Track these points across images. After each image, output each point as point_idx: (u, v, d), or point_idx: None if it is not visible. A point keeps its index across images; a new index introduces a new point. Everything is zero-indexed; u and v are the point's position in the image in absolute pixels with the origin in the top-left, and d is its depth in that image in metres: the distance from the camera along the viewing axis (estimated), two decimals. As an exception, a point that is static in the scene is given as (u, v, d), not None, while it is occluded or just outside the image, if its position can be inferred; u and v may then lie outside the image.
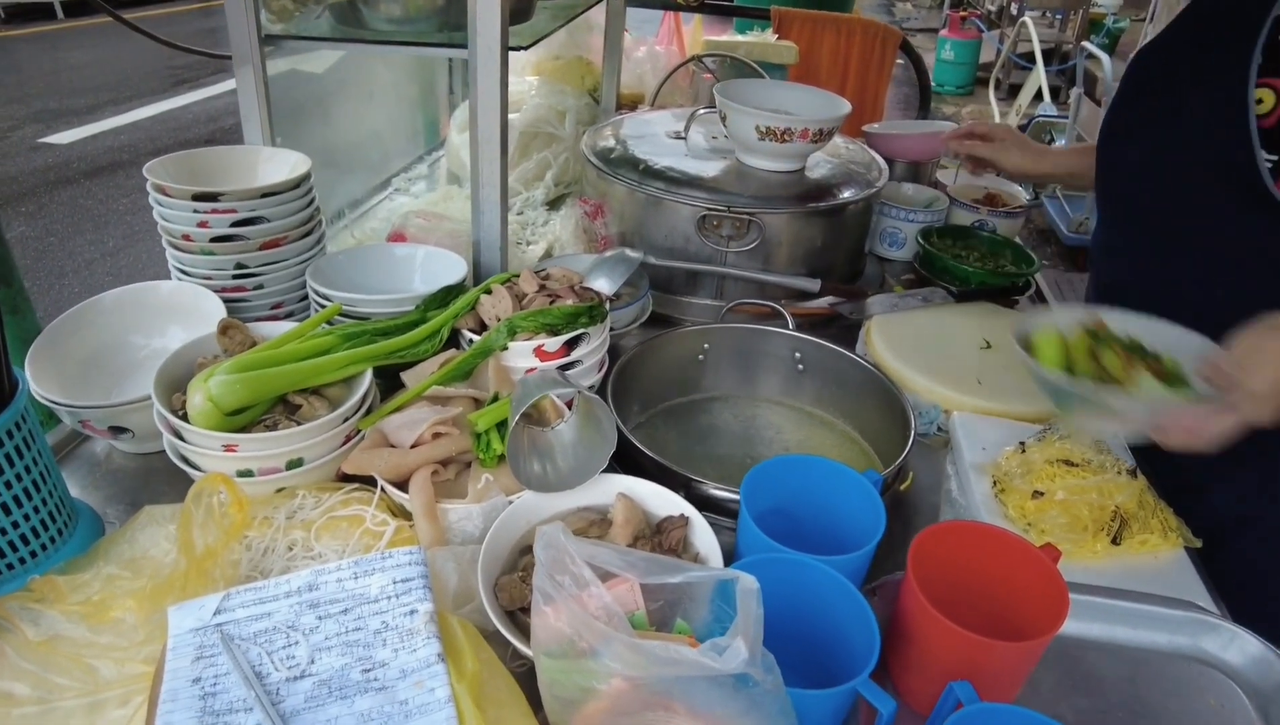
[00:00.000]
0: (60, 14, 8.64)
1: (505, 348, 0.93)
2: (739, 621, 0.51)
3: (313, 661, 0.62)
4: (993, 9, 9.00)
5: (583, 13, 1.45)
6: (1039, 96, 5.64)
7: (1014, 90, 6.75)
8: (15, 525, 0.75)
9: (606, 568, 0.57)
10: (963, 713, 0.59)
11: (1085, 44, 4.16)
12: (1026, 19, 6.20)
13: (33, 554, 0.78)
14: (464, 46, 1.01)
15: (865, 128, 1.71)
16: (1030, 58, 6.05)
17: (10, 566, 0.77)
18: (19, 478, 0.74)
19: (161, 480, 0.95)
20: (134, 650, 0.67)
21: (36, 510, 0.77)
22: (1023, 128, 3.88)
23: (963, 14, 7.67)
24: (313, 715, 0.59)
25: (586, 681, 0.56)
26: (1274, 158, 0.81)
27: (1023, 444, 1.00)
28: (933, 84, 7.69)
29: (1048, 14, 8.03)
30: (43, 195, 4.44)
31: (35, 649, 0.65)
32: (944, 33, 7.61)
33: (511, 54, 1.06)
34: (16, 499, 0.75)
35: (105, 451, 1.01)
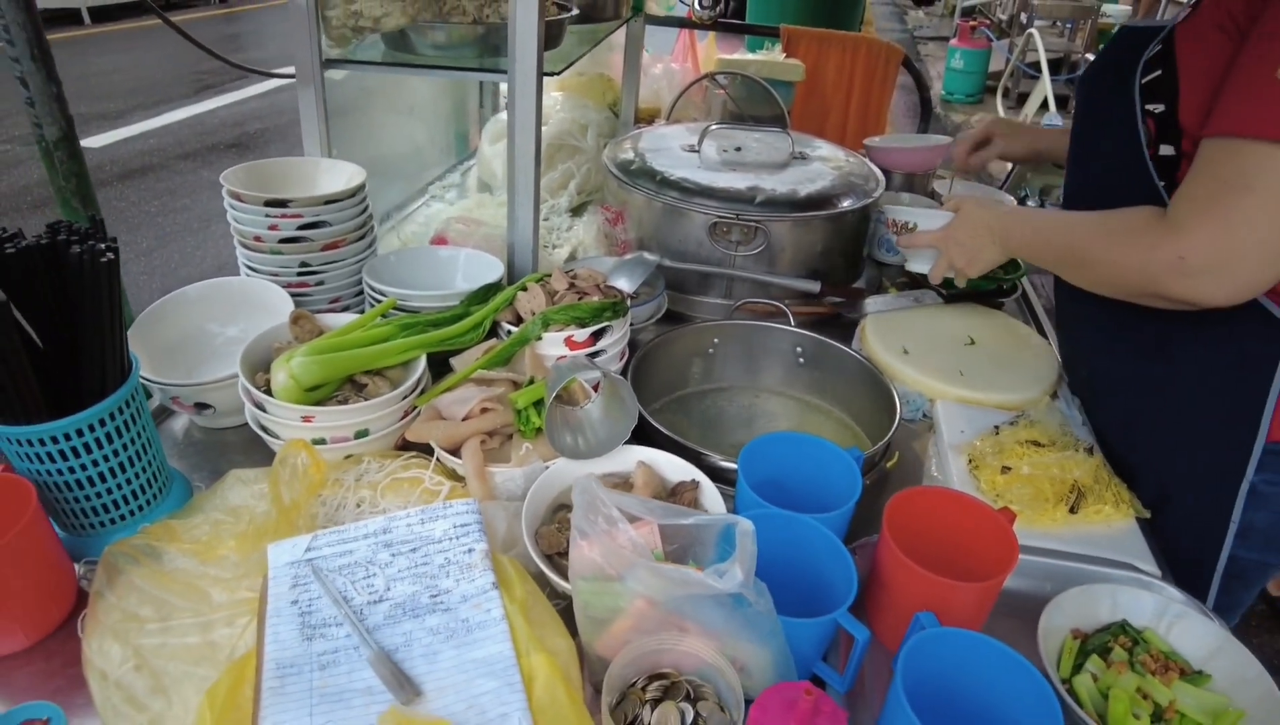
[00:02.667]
0: (87, 19, 8.87)
1: (540, 338, 1.06)
2: (736, 554, 0.64)
3: (389, 589, 0.75)
4: (1003, 18, 9.10)
5: (606, 36, 1.59)
6: (1045, 105, 5.74)
7: (1023, 99, 6.85)
8: (128, 482, 0.89)
9: (630, 511, 0.71)
10: (925, 633, 0.71)
11: (1089, 55, 4.27)
12: (1033, 30, 6.30)
13: (140, 508, 0.92)
14: (502, 72, 1.15)
15: (866, 141, 1.84)
16: (1039, 67, 6.16)
17: (123, 517, 0.91)
18: (132, 441, 0.88)
19: (236, 451, 1.09)
20: (237, 582, 0.80)
21: (144, 470, 0.91)
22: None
23: (973, 23, 7.76)
24: (391, 629, 0.72)
25: (614, 602, 0.70)
26: (1161, 184, 0.95)
27: (997, 428, 1.12)
28: (943, 92, 7.83)
29: (1058, 23, 8.13)
30: (78, 197, 4.61)
31: (159, 579, 0.79)
32: (954, 42, 7.71)
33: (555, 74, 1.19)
34: (130, 459, 0.88)
35: (184, 428, 1.15)
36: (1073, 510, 0.99)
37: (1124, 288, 0.94)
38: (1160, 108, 0.93)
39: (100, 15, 8.93)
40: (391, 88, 1.69)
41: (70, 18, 8.82)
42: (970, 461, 1.07)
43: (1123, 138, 0.97)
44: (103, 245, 0.81)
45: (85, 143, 5.29)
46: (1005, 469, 1.03)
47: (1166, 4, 6.83)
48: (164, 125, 5.86)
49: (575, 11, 1.40)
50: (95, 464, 0.85)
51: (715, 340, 1.33)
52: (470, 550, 0.77)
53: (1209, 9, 0.89)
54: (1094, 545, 0.97)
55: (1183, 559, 0.99)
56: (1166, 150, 0.93)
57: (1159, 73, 0.93)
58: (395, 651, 0.70)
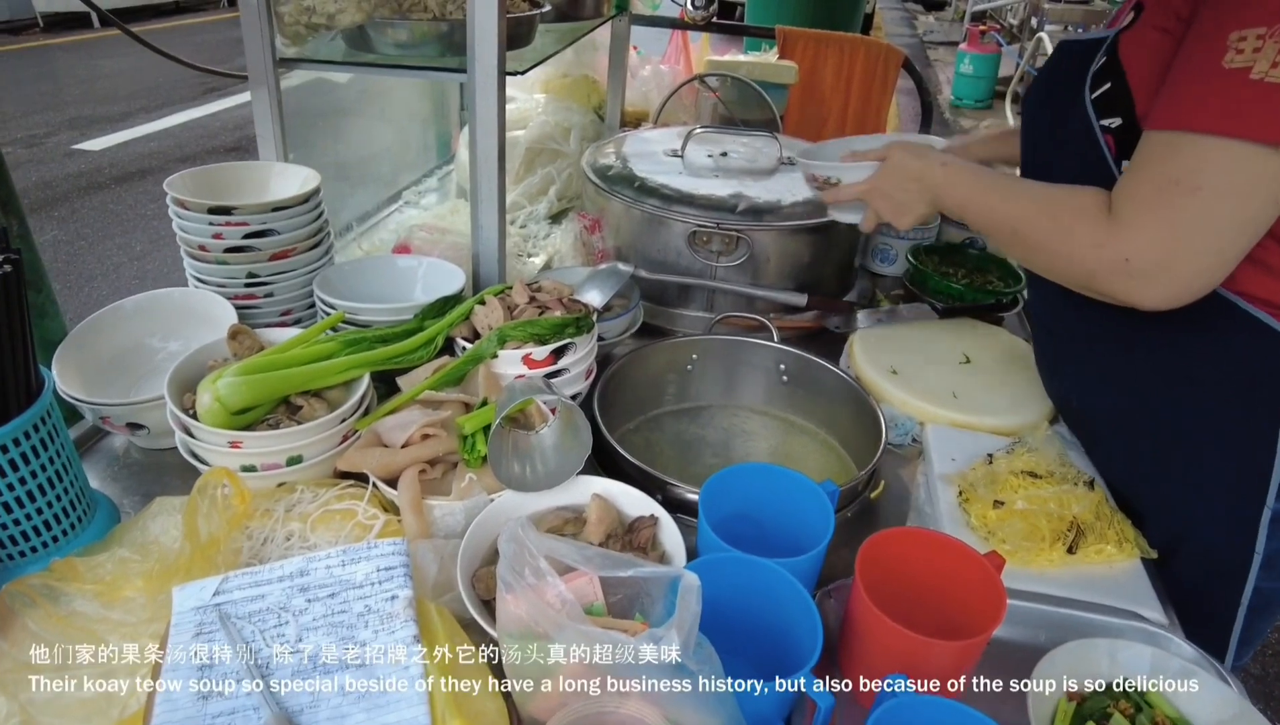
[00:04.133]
0: (96, 23, 8.89)
1: (495, 355, 0.99)
2: (677, 615, 0.57)
3: (301, 639, 0.68)
4: (1013, 23, 9.00)
5: (585, 35, 1.52)
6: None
7: (1033, 104, 6.74)
8: (40, 512, 0.82)
9: (565, 561, 0.63)
10: (894, 701, 0.63)
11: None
12: (1043, 34, 6.20)
13: (54, 539, 0.85)
14: (465, 71, 1.08)
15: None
16: (1049, 72, 6.05)
17: (35, 549, 0.84)
18: (43, 468, 0.81)
19: (174, 474, 1.02)
20: (141, 626, 0.73)
21: (59, 498, 0.84)
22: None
23: (982, 28, 7.67)
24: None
25: (545, 661, 0.62)
26: None
27: (990, 456, 1.04)
28: (952, 97, 7.72)
29: (1068, 28, 8.01)
30: (75, 200, 4.59)
31: (54, 623, 0.72)
32: (963, 46, 7.61)
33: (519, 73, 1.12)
34: (40, 488, 0.81)
35: (123, 446, 1.08)
36: (1071, 550, 0.91)
37: (1061, 276, 0.89)
38: (1117, 121, 0.86)
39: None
40: (366, 88, 1.63)
41: (80, 21, 8.84)
42: (961, 493, 0.99)
43: (1085, 157, 0.90)
44: (1, 257, 0.74)
45: (85, 146, 5.34)
46: (998, 503, 0.95)
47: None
48: (165, 128, 5.85)
49: (547, 8, 1.33)
50: (-1, 494, 0.79)
51: (694, 356, 1.25)
52: (393, 598, 0.70)
53: (1152, 13, 0.84)
54: (1094, 589, 0.89)
55: (1202, 599, 0.92)
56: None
57: (1109, 86, 0.87)
58: (299, 714, 0.63)
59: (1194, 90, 0.75)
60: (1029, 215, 0.90)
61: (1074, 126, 0.90)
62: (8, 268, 0.74)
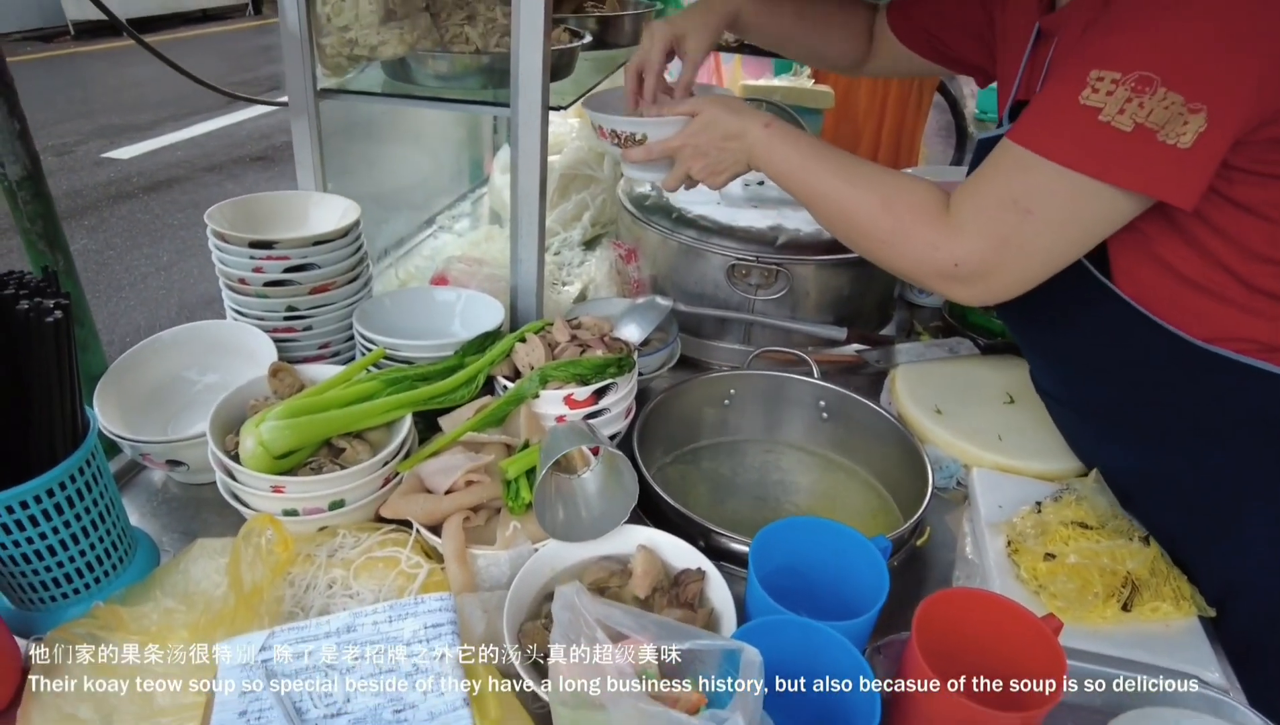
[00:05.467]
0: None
1: (537, 396, 0.98)
2: (739, 696, 0.55)
3: (348, 700, 0.67)
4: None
5: (624, 63, 1.50)
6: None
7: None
8: (83, 553, 0.82)
9: (620, 629, 0.61)
10: (957, 780, 0.61)
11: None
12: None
13: (96, 580, 0.85)
14: (507, 105, 1.07)
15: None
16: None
17: (77, 591, 0.83)
18: (87, 511, 0.81)
19: (212, 510, 1.01)
20: (187, 675, 0.72)
21: (101, 540, 0.84)
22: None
23: (1008, 41, 7.59)
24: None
25: (599, 734, 0.60)
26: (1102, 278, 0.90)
27: (1039, 504, 1.01)
28: (976, 111, 7.64)
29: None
30: (104, 209, 4.64)
31: (100, 672, 0.71)
32: (988, 59, 7.55)
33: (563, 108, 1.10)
34: (84, 530, 0.81)
35: (162, 480, 1.07)
36: (1126, 607, 0.88)
37: (884, 263, 0.92)
38: None
39: (138, 27, 9.05)
40: (399, 112, 1.62)
41: (110, 29, 8.96)
42: (1009, 543, 0.97)
43: None
44: (51, 302, 0.74)
45: (114, 154, 5.41)
46: (1049, 556, 0.92)
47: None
48: (192, 137, 5.90)
49: (588, 39, 1.32)
50: (44, 537, 0.78)
51: (731, 390, 1.24)
52: (441, 656, 0.69)
53: None
54: (1150, 649, 0.86)
55: (1258, 652, 0.89)
56: None
57: None
58: (348, 780, 0.62)
59: (1052, 118, 0.77)
60: (864, 201, 0.90)
61: None
62: (59, 314, 0.73)
